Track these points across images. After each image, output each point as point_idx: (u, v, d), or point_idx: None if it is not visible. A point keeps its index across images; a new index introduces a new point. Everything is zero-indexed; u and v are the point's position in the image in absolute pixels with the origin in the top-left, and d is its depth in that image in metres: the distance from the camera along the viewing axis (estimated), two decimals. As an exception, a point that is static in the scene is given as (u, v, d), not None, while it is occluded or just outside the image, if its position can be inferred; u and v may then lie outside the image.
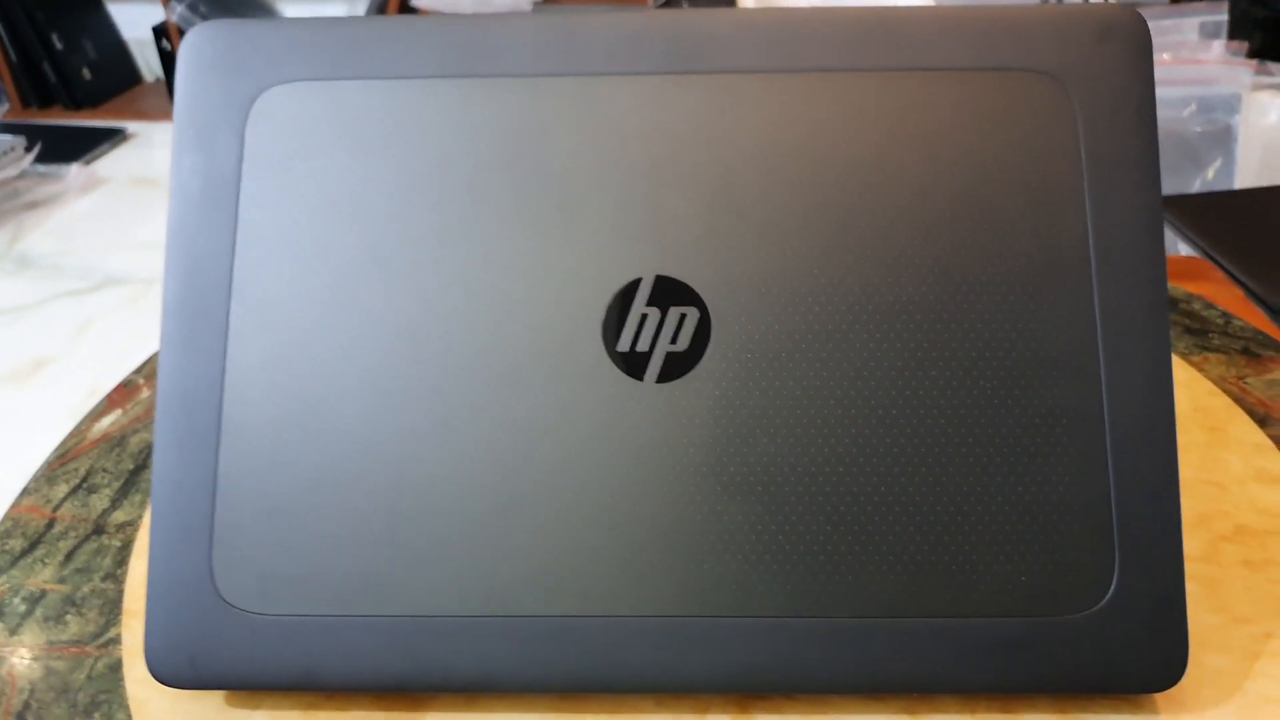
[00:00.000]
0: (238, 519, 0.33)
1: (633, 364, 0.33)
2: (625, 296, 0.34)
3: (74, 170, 2.13)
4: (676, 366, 0.33)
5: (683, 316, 0.34)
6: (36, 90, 2.49)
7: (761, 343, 0.33)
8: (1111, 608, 0.32)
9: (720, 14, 0.36)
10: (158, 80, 2.66)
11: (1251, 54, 1.21)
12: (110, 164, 2.21)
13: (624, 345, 0.33)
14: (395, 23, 0.36)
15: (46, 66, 2.45)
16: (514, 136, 0.35)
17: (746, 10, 0.36)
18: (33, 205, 2.00)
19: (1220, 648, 0.35)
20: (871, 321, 0.33)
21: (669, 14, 0.36)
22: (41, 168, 2.14)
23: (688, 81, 0.35)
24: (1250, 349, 0.52)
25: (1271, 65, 1.20)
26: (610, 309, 0.34)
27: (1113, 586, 0.32)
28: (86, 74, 2.50)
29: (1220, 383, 0.49)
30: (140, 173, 2.15)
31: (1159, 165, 0.34)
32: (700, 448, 0.33)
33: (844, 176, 0.34)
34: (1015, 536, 0.32)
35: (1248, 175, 1.14)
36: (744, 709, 0.34)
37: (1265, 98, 1.17)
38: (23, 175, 2.09)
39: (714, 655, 0.33)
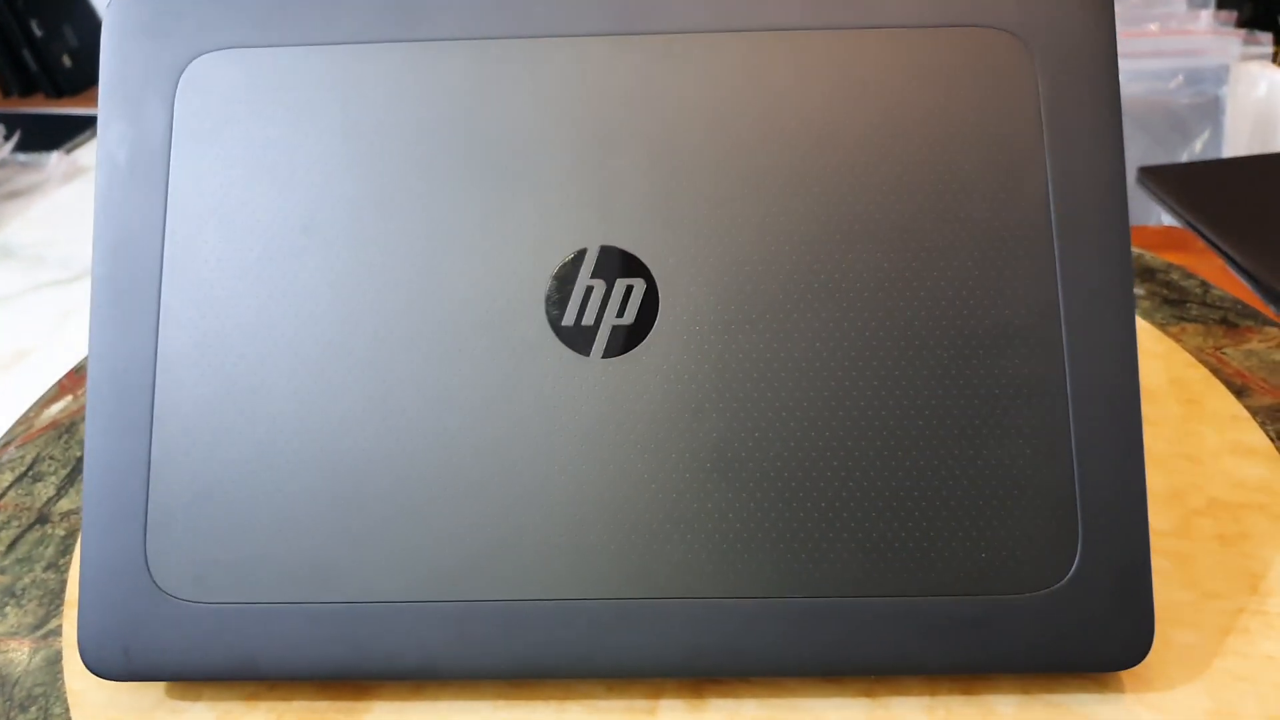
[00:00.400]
0: (172, 504, 0.32)
1: (578, 338, 0.32)
2: (570, 268, 0.32)
3: (55, 159, 2.10)
4: (623, 341, 0.32)
5: (629, 289, 0.32)
6: (17, 78, 2.46)
7: (711, 315, 0.32)
8: (1074, 584, 0.31)
9: (668, -27, 0.34)
10: (141, 67, 2.63)
11: (1240, 24, 1.20)
12: (92, 152, 2.18)
13: (569, 319, 0.32)
14: (329, -14, 0.34)
15: (27, 54, 2.42)
16: (453, 102, 0.33)
17: (695, -31, 0.34)
18: (13, 195, 1.98)
19: (1190, 624, 0.34)
20: (825, 291, 0.32)
21: (614, -26, 0.35)
22: (22, 157, 2.11)
23: (633, 43, 0.33)
24: (1229, 319, 0.50)
25: (1260, 35, 1.19)
26: (554, 281, 0.32)
27: (1075, 563, 0.31)
28: (67, 61, 2.47)
29: (1198, 353, 0.48)
30: (122, 160, 2.12)
31: (1122, 126, 0.32)
32: (649, 425, 0.32)
33: (796, 140, 0.33)
34: (975, 512, 0.31)
35: (1236, 147, 1.13)
36: (698, 693, 0.32)
37: (1254, 69, 1.16)
38: (3, 164, 2.07)
39: (666, 638, 0.32)
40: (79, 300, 1.61)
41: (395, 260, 0.33)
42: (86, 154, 2.18)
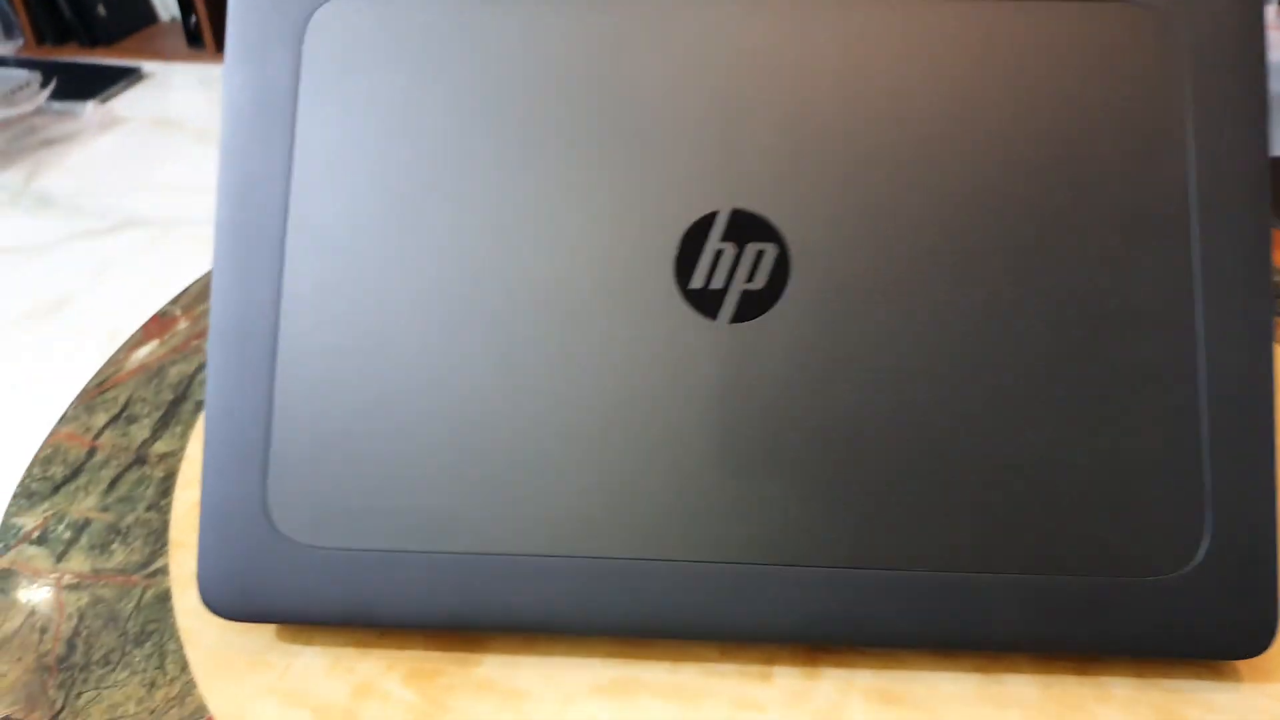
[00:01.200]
0: (293, 448, 0.32)
1: (706, 302, 0.32)
2: (699, 230, 0.32)
3: (90, 108, 2.10)
4: (752, 306, 0.32)
5: (760, 253, 0.32)
6: (51, 26, 2.46)
7: (842, 282, 0.32)
8: (1199, 570, 0.31)
9: (808, -66, 0.34)
10: (173, 20, 2.62)
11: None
12: (127, 103, 2.18)
13: (697, 282, 0.32)
14: (464, -66, 0.34)
15: (62, 2, 2.41)
16: (584, 56, 0.33)
17: (837, -70, 0.34)
18: (49, 143, 1.98)
19: (1301, 615, 0.33)
20: (957, 262, 0.32)
21: (754, -67, 0.34)
22: (57, 105, 2.11)
23: (769, 2, 0.33)
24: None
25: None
26: (683, 243, 0.32)
27: (1202, 549, 0.31)
28: (102, 11, 2.46)
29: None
30: (160, 114, 2.12)
31: (1269, 111, 0.32)
32: (774, 391, 0.32)
33: (931, 108, 0.32)
34: (1101, 492, 0.31)
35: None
36: (811, 660, 0.33)
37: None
38: (39, 112, 2.07)
39: (782, 604, 0.32)
40: (117, 250, 1.62)
41: (521, 214, 0.32)
42: (121, 104, 2.18)
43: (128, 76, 2.31)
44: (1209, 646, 0.31)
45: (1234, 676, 0.32)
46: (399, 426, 0.32)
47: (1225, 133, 0.32)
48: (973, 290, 0.32)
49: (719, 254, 0.32)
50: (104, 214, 1.72)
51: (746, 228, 0.32)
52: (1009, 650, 0.32)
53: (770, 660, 0.32)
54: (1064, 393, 0.31)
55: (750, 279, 0.32)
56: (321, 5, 0.33)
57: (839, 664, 0.32)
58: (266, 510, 0.32)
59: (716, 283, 0.32)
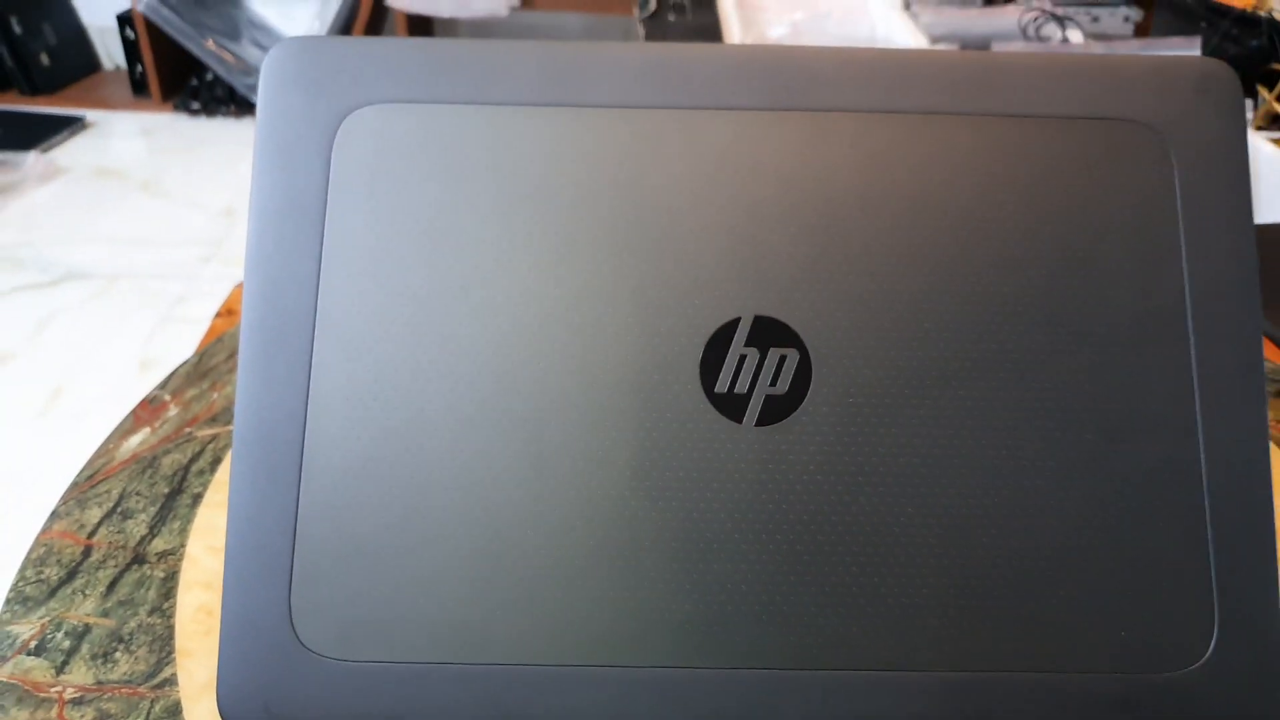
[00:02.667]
0: (319, 559, 0.32)
1: (731, 406, 0.33)
2: (723, 336, 0.33)
3: (32, 158, 2.05)
4: (777, 409, 0.33)
5: (783, 358, 0.33)
6: (-9, 73, 2.40)
7: (864, 387, 0.33)
8: (1211, 665, 0.32)
9: (822, 52, 0.35)
10: (118, 69, 2.57)
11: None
12: (69, 153, 2.13)
13: (722, 386, 0.33)
14: (489, 46, 0.35)
15: (3, 50, 2.36)
16: (611, 168, 0.34)
17: (849, 49, 0.36)
18: (-11, 194, 1.92)
19: (1297, 698, 0.35)
20: (975, 369, 0.33)
21: (770, 49, 0.35)
22: (-2, 155, 2.05)
23: (789, 118, 0.34)
24: (1283, 392, 0.53)
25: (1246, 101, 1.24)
26: (708, 348, 0.33)
27: (1212, 643, 0.32)
28: (45, 60, 2.41)
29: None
30: (101, 163, 2.08)
31: (1253, 218, 0.34)
32: (801, 495, 0.32)
33: (945, 220, 0.34)
34: (1114, 591, 0.32)
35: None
36: (836, 760, 0.33)
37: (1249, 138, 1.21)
38: (-22, 162, 2.01)
39: (811, 709, 0.32)
40: (59, 304, 1.57)
41: (549, 322, 0.33)
42: (64, 154, 2.13)
43: (70, 126, 2.26)
44: (1221, 737, 0.32)
45: (1244, 765, 0.33)
46: (428, 536, 0.32)
47: (1216, 239, 0.34)
48: (991, 396, 0.33)
49: (743, 359, 0.33)
50: (45, 267, 1.67)
51: (769, 333, 0.33)
52: (1031, 745, 0.33)
53: (801, 762, 0.33)
54: (1079, 493, 0.33)
55: (774, 383, 0.33)
56: (351, 112, 0.34)
57: (868, 764, 0.33)
58: (291, 623, 0.32)
59: (741, 387, 0.33)
